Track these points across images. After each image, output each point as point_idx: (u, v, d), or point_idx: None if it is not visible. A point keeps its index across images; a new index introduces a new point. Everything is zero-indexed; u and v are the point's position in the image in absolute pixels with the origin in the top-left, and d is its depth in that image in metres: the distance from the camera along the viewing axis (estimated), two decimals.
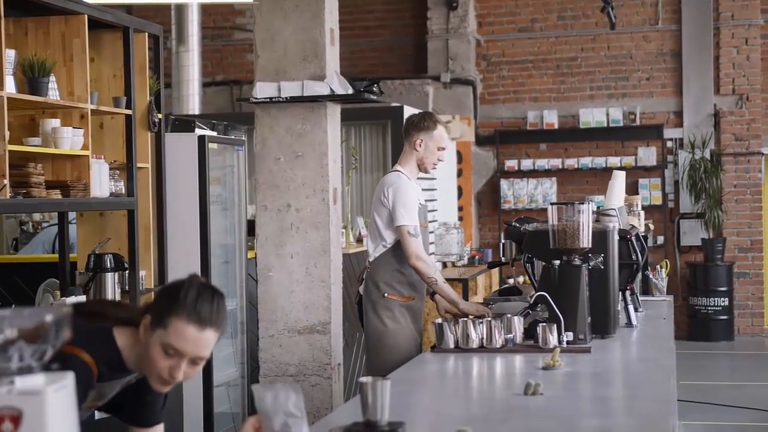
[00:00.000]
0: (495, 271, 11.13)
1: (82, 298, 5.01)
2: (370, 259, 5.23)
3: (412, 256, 5.00)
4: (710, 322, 12.12)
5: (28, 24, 5.07)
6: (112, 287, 5.32)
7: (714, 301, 12.10)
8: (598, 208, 5.29)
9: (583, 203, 4.34)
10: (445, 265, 10.13)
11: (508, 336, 4.21)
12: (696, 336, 12.15)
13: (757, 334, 12.44)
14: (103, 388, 2.69)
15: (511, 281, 11.79)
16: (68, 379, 1.75)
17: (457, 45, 12.84)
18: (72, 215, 5.94)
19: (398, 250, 5.09)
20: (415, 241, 5.01)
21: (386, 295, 5.11)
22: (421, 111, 5.55)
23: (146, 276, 5.75)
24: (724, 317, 12.14)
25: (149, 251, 5.78)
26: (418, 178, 5.37)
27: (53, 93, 4.83)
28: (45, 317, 1.73)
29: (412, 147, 5.21)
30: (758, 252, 12.47)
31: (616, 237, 4.62)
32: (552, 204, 4.37)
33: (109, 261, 5.32)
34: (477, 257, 10.61)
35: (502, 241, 5.09)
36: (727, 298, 12.12)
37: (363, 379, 2.69)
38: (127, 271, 5.49)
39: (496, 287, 10.50)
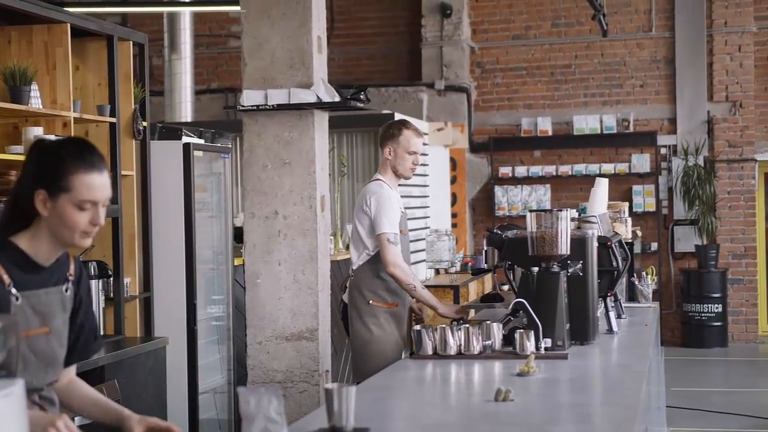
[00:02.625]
0: (488, 278, 11.13)
1: None
2: (354, 267, 5.29)
3: (389, 264, 5.07)
4: (704, 328, 12.12)
5: (11, 33, 5.10)
6: (96, 295, 5.33)
7: (708, 307, 12.11)
8: (580, 215, 5.30)
9: (561, 210, 4.35)
10: (437, 272, 10.15)
11: (487, 342, 4.22)
12: (690, 342, 12.16)
13: (750, 340, 12.43)
14: (33, 298, 2.67)
15: (505, 288, 11.80)
16: (16, 386, 1.76)
17: (452, 52, 12.87)
18: None
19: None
20: (393, 248, 5.07)
21: (371, 302, 5.17)
22: (391, 120, 5.62)
23: (131, 283, 5.77)
24: (718, 324, 12.15)
25: (134, 258, 5.80)
26: (400, 185, 5.42)
27: (35, 101, 4.85)
28: None
29: (384, 156, 5.33)
30: (752, 258, 12.47)
31: (595, 244, 4.63)
32: (531, 211, 4.38)
33: (93, 268, 5.34)
34: (470, 264, 10.62)
35: (485, 247, 5.11)
36: (720, 305, 12.13)
37: (328, 385, 2.71)
38: (111, 279, 5.50)
39: None
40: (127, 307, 5.70)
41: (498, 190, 12.78)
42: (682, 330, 12.32)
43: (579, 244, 4.47)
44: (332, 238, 7.70)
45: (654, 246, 12.39)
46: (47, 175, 2.64)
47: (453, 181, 12.19)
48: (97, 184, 2.66)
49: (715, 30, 12.47)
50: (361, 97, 6.06)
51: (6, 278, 2.60)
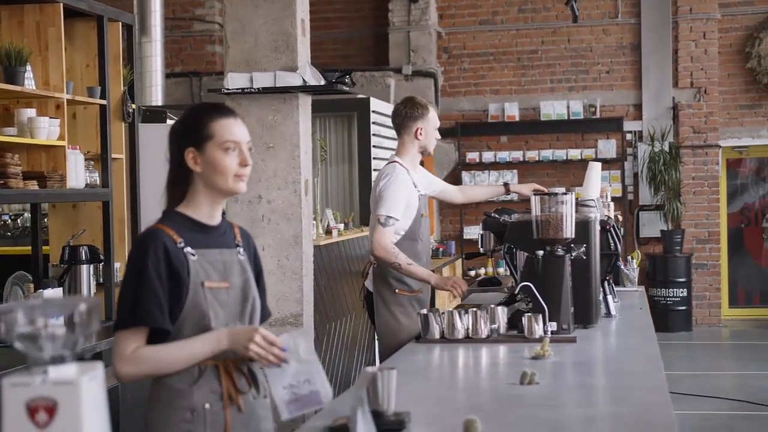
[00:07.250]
0: (458, 263, 11.16)
1: (59, 290, 4.94)
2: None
3: (373, 245, 4.94)
4: (669, 312, 12.26)
5: (2, 13, 4.98)
6: (87, 279, 5.25)
7: (673, 291, 12.24)
8: None
9: (566, 194, 4.35)
10: None
11: (493, 326, 4.22)
12: (655, 326, 12.19)
13: (714, 324, 12.60)
14: (209, 256, 2.80)
15: (471, 273, 11.84)
16: (99, 369, 1.72)
17: (419, 37, 12.85)
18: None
19: (405, 243, 5.03)
20: (381, 230, 4.92)
21: (397, 291, 5.05)
22: (404, 99, 5.41)
23: (121, 268, 5.68)
24: (683, 308, 12.29)
25: (124, 243, 5.71)
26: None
27: (29, 82, 4.75)
28: (77, 306, 1.70)
29: (413, 137, 5.18)
30: (716, 243, 12.63)
31: (598, 227, 4.64)
32: (535, 194, 4.37)
33: (84, 253, 5.25)
34: (441, 249, 10.64)
35: (480, 232, 5.08)
36: (685, 289, 12.27)
37: (370, 368, 2.68)
38: (102, 264, 5.41)
39: None
40: (118, 291, 5.61)
41: (465, 176, 12.80)
42: None
43: (582, 227, 4.48)
44: (313, 223, 7.64)
45: (621, 231, 12.48)
46: (190, 133, 2.82)
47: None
48: (234, 126, 2.82)
49: (681, 17, 12.57)
50: (346, 80, 6.04)
51: (177, 238, 2.77)
